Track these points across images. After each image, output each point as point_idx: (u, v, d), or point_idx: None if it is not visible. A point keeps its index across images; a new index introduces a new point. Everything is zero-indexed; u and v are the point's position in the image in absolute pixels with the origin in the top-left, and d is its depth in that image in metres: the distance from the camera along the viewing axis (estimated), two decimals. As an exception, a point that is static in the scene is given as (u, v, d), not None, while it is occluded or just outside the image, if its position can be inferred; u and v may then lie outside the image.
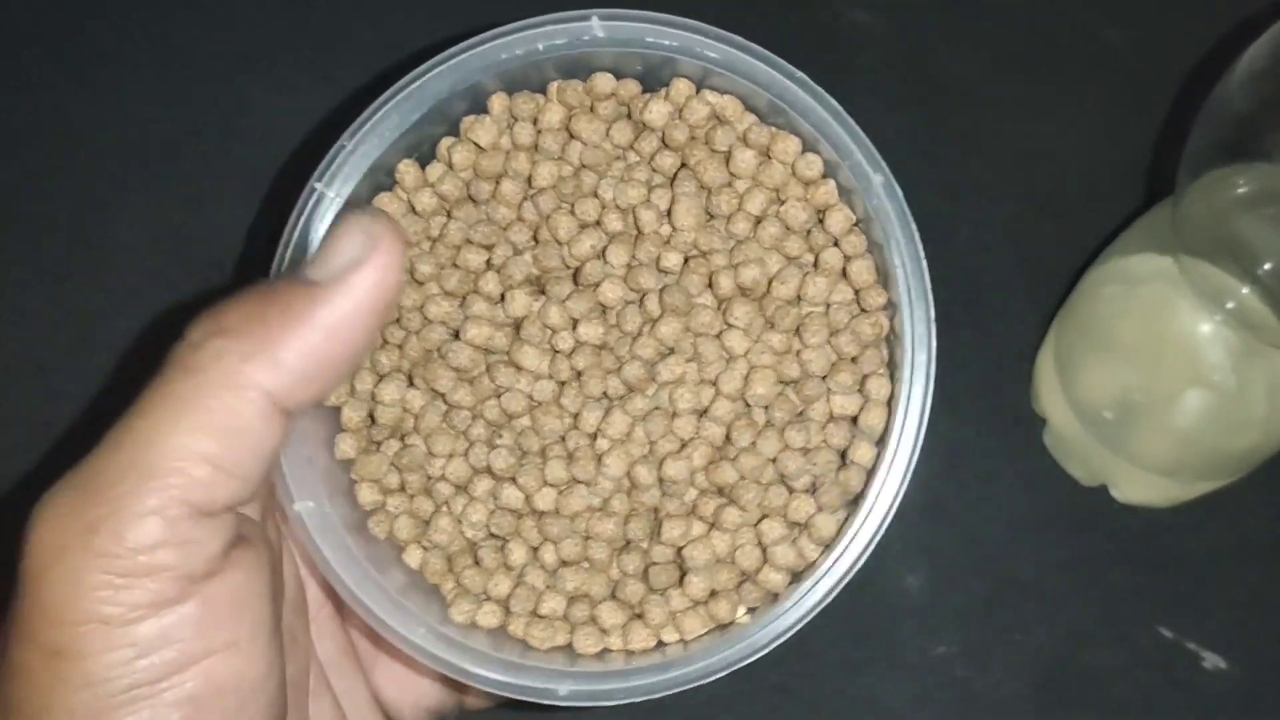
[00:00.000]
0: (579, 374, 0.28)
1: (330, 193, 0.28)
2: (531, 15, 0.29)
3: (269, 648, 0.23)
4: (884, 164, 0.26)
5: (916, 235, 0.26)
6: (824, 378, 0.27)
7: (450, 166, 0.29)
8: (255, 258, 0.46)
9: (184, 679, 0.22)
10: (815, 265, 0.28)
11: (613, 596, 0.28)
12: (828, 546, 0.27)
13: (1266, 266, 0.34)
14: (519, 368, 0.28)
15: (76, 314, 0.46)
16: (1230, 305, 0.36)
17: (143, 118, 0.47)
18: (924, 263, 0.26)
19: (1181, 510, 0.42)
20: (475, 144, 0.29)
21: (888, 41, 0.47)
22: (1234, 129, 0.33)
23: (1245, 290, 0.35)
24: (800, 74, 0.27)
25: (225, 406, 0.22)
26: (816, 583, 0.26)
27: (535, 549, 0.28)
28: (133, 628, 0.22)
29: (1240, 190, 0.35)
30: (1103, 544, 0.42)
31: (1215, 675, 0.41)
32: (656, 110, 0.28)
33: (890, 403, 0.27)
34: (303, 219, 0.28)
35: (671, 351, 0.28)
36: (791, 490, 0.27)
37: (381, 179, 0.29)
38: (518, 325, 0.28)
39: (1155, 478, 0.40)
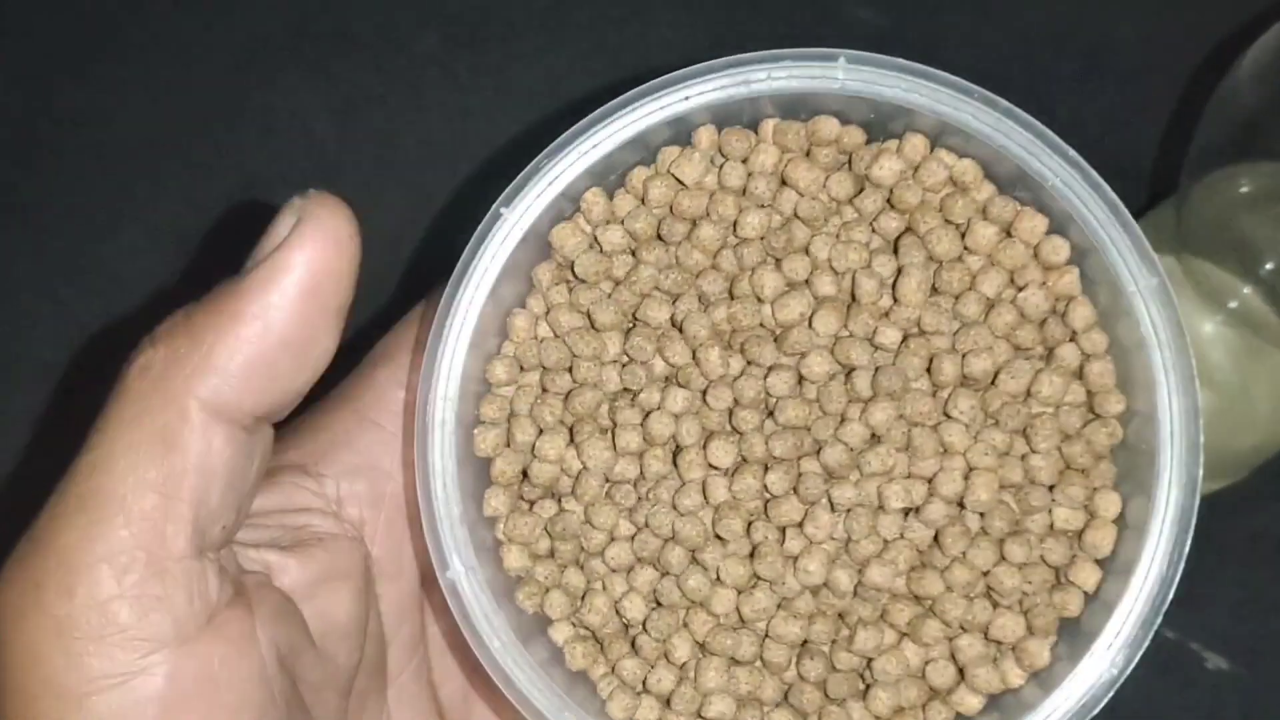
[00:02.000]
0: (775, 459, 0.25)
1: (514, 218, 0.25)
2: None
3: None
4: (1159, 262, 0.23)
5: (1191, 352, 0.23)
6: (1050, 488, 0.25)
7: (643, 201, 0.26)
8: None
9: None
10: (1047, 360, 0.25)
11: (785, 700, 0.25)
12: (1035, 674, 0.25)
13: (1269, 266, 0.34)
14: (709, 465, 0.25)
15: (79, 316, 0.44)
16: (1233, 304, 0.35)
17: (148, 118, 0.46)
18: (1196, 382, 0.23)
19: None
20: (677, 179, 0.26)
21: (891, 38, 0.46)
22: (1238, 128, 0.33)
23: (1248, 289, 0.35)
24: (1074, 154, 0.24)
25: (163, 426, 0.19)
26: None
27: (702, 644, 0.25)
28: (91, 700, 0.18)
29: (1244, 189, 0.35)
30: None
31: (1218, 676, 0.41)
32: (887, 167, 0.25)
33: (1119, 521, 0.25)
34: (484, 244, 0.25)
35: (879, 440, 0.25)
36: (996, 605, 0.25)
37: (563, 204, 0.26)
38: (704, 393, 0.25)
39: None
